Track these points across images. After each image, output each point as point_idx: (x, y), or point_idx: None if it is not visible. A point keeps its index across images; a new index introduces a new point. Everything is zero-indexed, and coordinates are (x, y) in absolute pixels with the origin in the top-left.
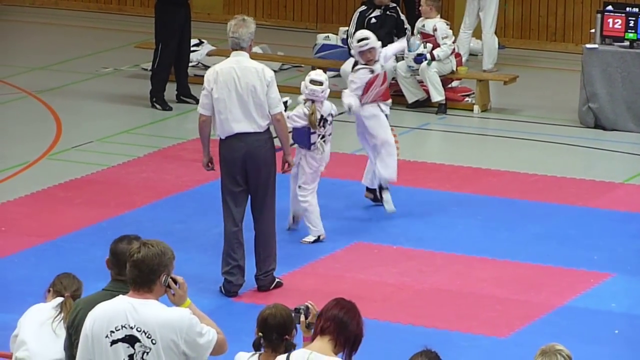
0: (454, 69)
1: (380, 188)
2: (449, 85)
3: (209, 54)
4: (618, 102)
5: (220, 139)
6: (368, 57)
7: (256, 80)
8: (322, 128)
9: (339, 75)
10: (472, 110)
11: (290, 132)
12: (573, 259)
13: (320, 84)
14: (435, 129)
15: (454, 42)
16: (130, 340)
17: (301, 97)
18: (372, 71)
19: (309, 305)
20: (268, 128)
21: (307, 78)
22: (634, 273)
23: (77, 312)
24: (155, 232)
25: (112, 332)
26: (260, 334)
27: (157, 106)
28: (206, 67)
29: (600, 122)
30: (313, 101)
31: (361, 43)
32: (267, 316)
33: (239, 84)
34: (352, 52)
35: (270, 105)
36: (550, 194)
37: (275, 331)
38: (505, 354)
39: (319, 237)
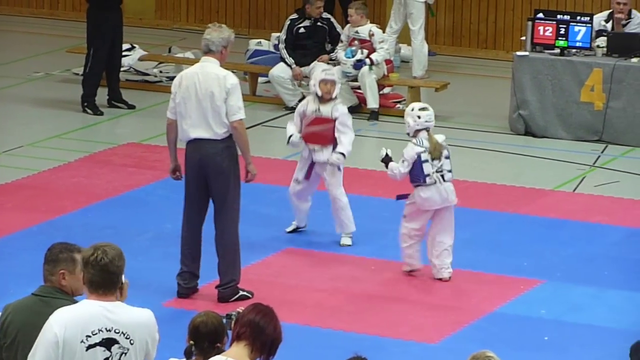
0: (386, 74)
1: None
2: (381, 92)
3: (140, 59)
4: (548, 110)
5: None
6: (326, 89)
7: (215, 87)
8: (437, 160)
9: (269, 82)
10: (403, 116)
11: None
12: (503, 265)
13: (428, 109)
14: (367, 135)
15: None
16: (107, 343)
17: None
18: (317, 110)
19: (241, 312)
20: (229, 136)
21: (412, 111)
22: (564, 280)
23: (7, 316)
24: (85, 237)
25: (88, 336)
26: (191, 342)
27: (89, 111)
28: (138, 72)
29: (530, 129)
30: (427, 130)
31: (327, 72)
32: (199, 324)
33: (199, 90)
34: (312, 82)
35: (228, 113)
36: (481, 201)
37: (207, 339)
38: None
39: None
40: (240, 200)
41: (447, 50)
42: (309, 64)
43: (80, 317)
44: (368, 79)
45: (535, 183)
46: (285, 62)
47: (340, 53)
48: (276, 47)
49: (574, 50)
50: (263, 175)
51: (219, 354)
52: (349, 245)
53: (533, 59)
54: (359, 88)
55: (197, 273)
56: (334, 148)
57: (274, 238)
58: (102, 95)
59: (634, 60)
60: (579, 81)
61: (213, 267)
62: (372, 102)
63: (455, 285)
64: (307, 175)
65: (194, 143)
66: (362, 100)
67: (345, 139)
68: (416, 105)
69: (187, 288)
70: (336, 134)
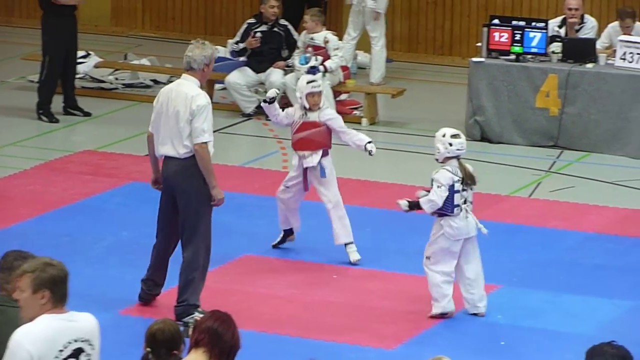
0: (342, 81)
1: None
2: (337, 98)
3: (96, 66)
4: (504, 115)
5: None
6: (314, 101)
7: (182, 106)
8: (466, 191)
9: (225, 88)
10: (360, 123)
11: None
12: None
13: (460, 136)
14: None
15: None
16: (76, 353)
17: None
18: (304, 115)
19: (198, 319)
20: (193, 156)
21: (444, 137)
22: (520, 285)
23: None
24: (42, 245)
25: (60, 350)
26: (148, 349)
27: (44, 118)
28: (93, 79)
29: (486, 135)
30: (457, 158)
31: (313, 84)
32: (156, 331)
33: (170, 107)
34: (298, 93)
35: (192, 134)
36: None
37: (164, 346)
38: None
39: (444, 313)
40: (210, 224)
41: (403, 57)
42: (265, 70)
43: (49, 332)
44: (322, 85)
45: (491, 189)
46: (236, 52)
47: (296, 59)
48: (233, 54)
49: (529, 56)
50: (220, 182)
51: None
52: (359, 259)
53: (489, 65)
54: None
55: (160, 282)
56: (323, 153)
57: (231, 245)
58: (57, 102)
59: (589, 65)
60: (534, 87)
61: (173, 275)
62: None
63: (412, 291)
64: (306, 187)
65: (164, 160)
66: None
67: (355, 135)
68: (448, 131)
69: (148, 294)
70: (344, 139)
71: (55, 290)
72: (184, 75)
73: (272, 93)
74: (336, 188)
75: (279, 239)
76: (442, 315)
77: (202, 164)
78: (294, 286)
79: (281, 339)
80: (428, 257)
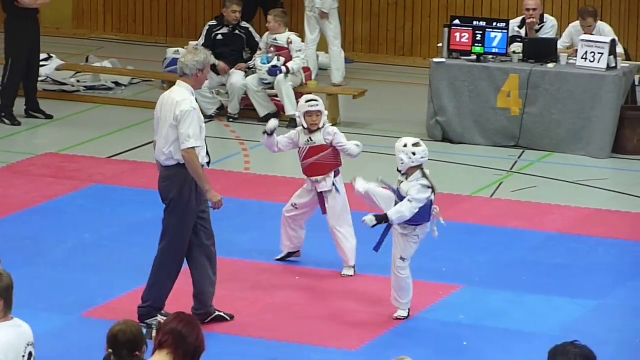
0: (304, 82)
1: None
2: (299, 100)
3: (57, 69)
4: (465, 116)
5: None
6: (312, 121)
7: (168, 112)
8: None
9: None
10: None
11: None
12: (422, 271)
13: (421, 144)
14: None
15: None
16: (29, 357)
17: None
18: (310, 140)
19: (161, 321)
20: (174, 165)
21: (406, 147)
22: (482, 285)
23: None
24: (4, 248)
25: (23, 356)
26: (110, 350)
27: (6, 121)
28: (55, 82)
29: (447, 136)
30: (421, 167)
31: (311, 103)
32: (117, 333)
33: (160, 113)
34: (297, 113)
35: (179, 140)
36: None
37: (126, 347)
38: None
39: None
40: (184, 233)
41: (364, 58)
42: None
43: (11, 339)
44: (284, 87)
45: (453, 189)
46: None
47: (257, 60)
48: None
49: (490, 57)
50: None
51: None
52: (351, 275)
53: (450, 66)
54: (276, 96)
55: (195, 292)
56: (335, 174)
57: None
58: (19, 105)
59: (550, 65)
60: (495, 87)
61: (136, 278)
62: (291, 109)
63: (374, 291)
64: (324, 210)
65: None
66: (281, 108)
67: (351, 145)
68: (409, 141)
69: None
70: (346, 152)
71: (8, 299)
72: (178, 81)
73: (272, 124)
74: (349, 213)
75: (282, 255)
76: (407, 317)
77: (191, 170)
78: (256, 288)
79: (244, 341)
80: (403, 259)
